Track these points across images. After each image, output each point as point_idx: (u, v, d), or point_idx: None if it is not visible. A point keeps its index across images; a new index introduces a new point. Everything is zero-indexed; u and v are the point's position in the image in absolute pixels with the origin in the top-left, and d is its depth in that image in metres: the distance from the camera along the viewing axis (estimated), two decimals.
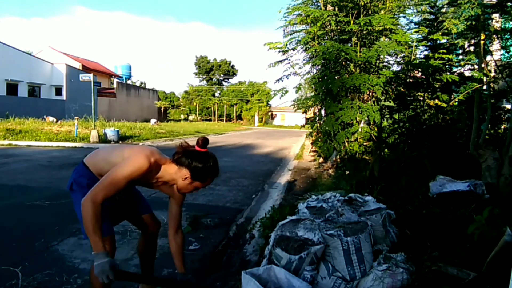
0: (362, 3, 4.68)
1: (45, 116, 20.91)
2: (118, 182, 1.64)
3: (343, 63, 4.82)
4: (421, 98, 4.85)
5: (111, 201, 1.86)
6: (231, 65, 59.82)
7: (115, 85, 32.26)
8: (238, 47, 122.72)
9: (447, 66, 4.72)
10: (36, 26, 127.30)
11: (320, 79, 4.96)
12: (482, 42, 3.71)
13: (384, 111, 4.75)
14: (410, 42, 4.45)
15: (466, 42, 4.42)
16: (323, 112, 5.85)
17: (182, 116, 53.64)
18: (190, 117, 54.10)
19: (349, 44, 4.80)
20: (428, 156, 4.30)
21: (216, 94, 59.18)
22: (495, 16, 3.96)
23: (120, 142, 13.76)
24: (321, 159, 7.96)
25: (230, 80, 61.77)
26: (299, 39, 5.16)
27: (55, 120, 19.94)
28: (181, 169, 1.73)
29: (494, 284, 1.79)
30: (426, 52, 4.95)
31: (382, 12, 4.89)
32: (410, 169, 4.29)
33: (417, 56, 4.95)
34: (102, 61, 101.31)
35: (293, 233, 1.99)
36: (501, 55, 4.63)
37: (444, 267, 2.02)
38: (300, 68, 5.50)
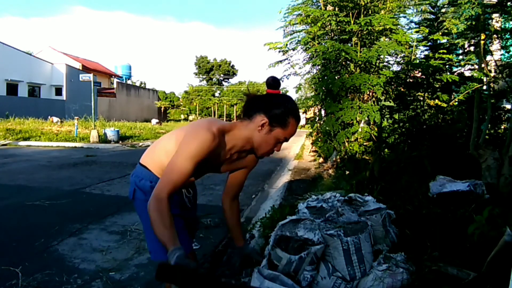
0: (363, 3, 4.68)
1: (49, 117, 20.76)
2: (183, 169, 1.29)
3: (343, 63, 4.82)
4: (421, 98, 4.85)
5: (183, 207, 1.58)
6: (231, 65, 59.87)
7: (115, 85, 32.28)
8: (238, 47, 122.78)
9: (447, 66, 4.71)
10: (36, 26, 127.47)
11: (320, 79, 4.96)
12: (482, 42, 3.71)
13: (384, 111, 4.74)
14: (410, 42, 4.45)
15: (466, 42, 4.42)
16: (323, 112, 5.84)
17: (182, 116, 53.69)
18: (190, 117, 54.15)
19: (349, 44, 4.80)
20: (428, 156, 4.30)
21: (216, 94, 59.24)
22: (495, 16, 3.96)
23: (120, 142, 13.76)
24: (321, 159, 7.96)
25: (230, 80, 61.87)
26: (299, 39, 5.16)
27: (59, 120, 19.69)
28: (255, 119, 1.37)
29: (494, 284, 1.79)
30: (426, 52, 4.95)
31: (383, 12, 4.89)
32: (410, 169, 4.29)
33: (417, 56, 4.95)
34: (102, 61, 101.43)
35: (293, 233, 1.99)
36: (501, 55, 4.62)
37: (444, 267, 2.02)
38: (300, 68, 5.51)
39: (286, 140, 1.41)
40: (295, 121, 1.38)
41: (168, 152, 1.42)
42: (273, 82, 1.38)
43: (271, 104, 1.36)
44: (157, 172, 1.52)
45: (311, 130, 7.20)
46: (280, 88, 1.44)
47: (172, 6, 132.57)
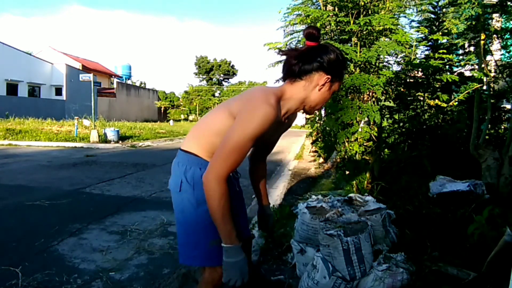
0: (362, 3, 4.67)
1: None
2: (243, 147, 1.22)
3: None
4: (421, 98, 4.85)
5: (233, 196, 1.42)
6: (231, 65, 59.87)
7: (115, 85, 32.32)
8: (238, 47, 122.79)
9: (447, 66, 4.72)
10: (36, 26, 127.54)
11: None
12: (482, 42, 3.71)
13: (384, 111, 4.74)
14: (410, 42, 4.45)
15: (466, 42, 4.42)
16: (323, 112, 5.84)
17: (182, 116, 53.66)
18: (190, 117, 54.16)
19: (349, 44, 4.79)
20: (428, 156, 4.30)
21: (216, 94, 59.23)
22: (495, 16, 3.96)
23: (120, 142, 13.76)
24: (321, 159, 7.96)
25: (230, 80, 61.87)
26: (299, 39, 5.16)
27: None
28: (311, 78, 1.30)
29: (494, 284, 1.79)
30: (426, 52, 4.95)
31: (382, 12, 4.89)
32: (410, 169, 4.29)
33: (418, 56, 4.95)
34: (102, 61, 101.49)
35: None
36: (501, 55, 4.62)
37: (444, 267, 2.02)
38: None
39: (338, 91, 1.44)
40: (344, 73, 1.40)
41: (220, 132, 1.31)
42: (310, 36, 1.29)
43: (327, 60, 1.29)
44: (207, 157, 1.37)
45: (311, 130, 7.20)
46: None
47: (173, 5, 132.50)
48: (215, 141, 1.32)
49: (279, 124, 1.37)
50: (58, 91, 27.45)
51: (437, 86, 4.72)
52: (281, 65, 1.43)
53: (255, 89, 1.34)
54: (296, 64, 1.31)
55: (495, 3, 3.55)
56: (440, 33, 4.58)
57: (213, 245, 1.35)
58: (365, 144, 5.25)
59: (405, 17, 5.37)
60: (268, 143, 1.64)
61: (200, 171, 1.35)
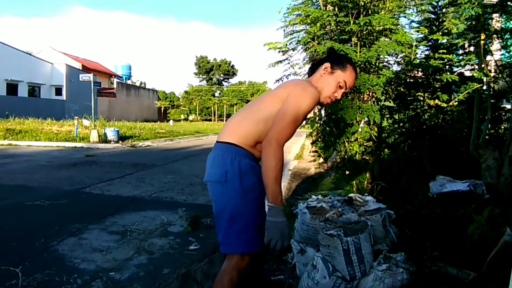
0: (362, 3, 4.67)
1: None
2: (299, 119, 1.42)
3: None
4: (421, 98, 4.85)
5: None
6: (231, 65, 59.86)
7: (115, 85, 32.33)
8: (238, 47, 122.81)
9: (447, 66, 4.72)
10: (36, 26, 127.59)
11: None
12: (482, 42, 3.71)
13: (384, 111, 4.74)
14: (410, 42, 4.44)
15: (466, 42, 4.42)
16: (323, 112, 5.84)
17: (182, 116, 53.69)
18: (190, 117, 54.22)
19: (349, 44, 4.79)
20: (428, 156, 4.30)
21: (216, 94, 59.25)
22: (495, 16, 3.96)
23: (120, 142, 13.76)
24: (321, 159, 7.96)
25: (230, 80, 61.89)
26: (299, 39, 5.15)
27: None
28: (319, 70, 1.59)
29: (494, 284, 1.79)
30: (426, 52, 4.95)
31: (382, 12, 4.89)
32: (410, 169, 4.29)
33: (418, 56, 4.94)
34: (102, 61, 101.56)
35: None
36: (501, 55, 4.62)
37: (444, 267, 2.02)
38: (300, 68, 5.48)
39: (346, 87, 1.55)
40: (352, 69, 1.55)
41: (269, 118, 1.44)
42: (330, 51, 1.67)
43: (330, 55, 1.63)
44: (250, 147, 1.46)
45: (311, 130, 7.19)
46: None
47: (173, 6, 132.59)
48: (262, 129, 1.44)
49: None
50: (58, 91, 27.44)
51: (437, 86, 4.72)
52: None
53: (296, 79, 1.71)
54: (314, 66, 1.66)
55: (495, 3, 3.55)
56: (440, 33, 4.57)
57: (258, 231, 1.42)
58: (365, 144, 5.25)
59: (405, 17, 5.36)
60: None
61: (245, 161, 1.43)
